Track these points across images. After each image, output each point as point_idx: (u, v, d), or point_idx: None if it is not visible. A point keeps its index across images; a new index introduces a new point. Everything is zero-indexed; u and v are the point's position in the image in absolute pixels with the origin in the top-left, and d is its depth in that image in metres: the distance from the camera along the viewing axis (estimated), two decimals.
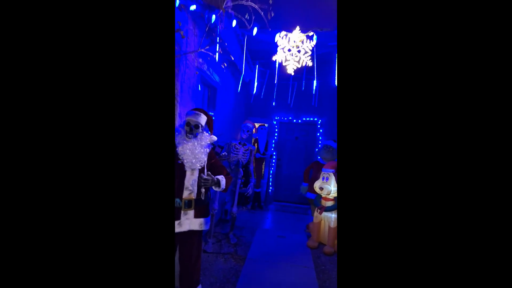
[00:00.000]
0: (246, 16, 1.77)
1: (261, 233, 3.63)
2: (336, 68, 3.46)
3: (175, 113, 2.34)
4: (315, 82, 2.41)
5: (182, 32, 1.60)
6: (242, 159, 3.18)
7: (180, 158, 1.66)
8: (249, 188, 3.40)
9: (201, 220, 1.71)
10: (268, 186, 5.31)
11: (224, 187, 1.73)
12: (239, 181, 3.25)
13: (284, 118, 5.38)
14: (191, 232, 1.70)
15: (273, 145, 5.36)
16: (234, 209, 3.24)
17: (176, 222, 1.64)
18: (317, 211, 3.35)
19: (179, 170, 1.67)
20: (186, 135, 1.69)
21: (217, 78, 3.34)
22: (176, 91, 2.31)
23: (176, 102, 2.33)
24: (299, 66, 2.02)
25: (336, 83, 2.77)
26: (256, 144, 4.80)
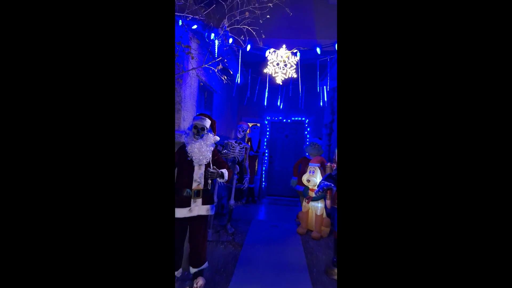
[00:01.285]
0: (241, 37, 2.13)
1: (255, 223, 4.01)
2: (333, 69, 3.85)
3: (180, 116, 2.68)
4: (299, 88, 2.79)
5: (192, 54, 1.94)
6: (238, 156, 3.55)
7: (189, 155, 2.01)
8: (244, 182, 3.77)
9: (207, 206, 2.07)
10: (261, 181, 5.69)
11: (227, 178, 2.10)
12: (235, 177, 3.62)
13: (275, 118, 5.77)
14: (199, 217, 2.06)
15: (265, 143, 5.74)
16: (231, 201, 3.60)
17: (187, 209, 2.00)
18: (305, 201, 3.75)
19: (189, 166, 2.03)
20: (194, 136, 2.05)
21: (213, 84, 3.70)
22: (180, 98, 2.66)
23: (180, 107, 2.68)
24: (286, 77, 2.41)
25: (318, 89, 3.17)
26: (249, 142, 5.16)
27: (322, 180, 1.70)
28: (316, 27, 3.92)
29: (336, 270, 2.50)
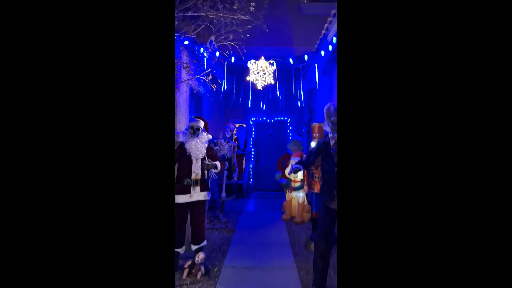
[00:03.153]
0: (227, 51, 2.57)
1: (245, 214, 4.46)
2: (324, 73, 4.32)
3: (176, 119, 3.10)
4: (278, 92, 3.29)
5: (188, 68, 2.36)
6: (227, 153, 4.00)
7: (188, 151, 2.43)
8: (234, 177, 4.21)
9: (205, 192, 2.50)
10: (249, 178, 6.14)
11: (219, 169, 2.53)
12: (225, 172, 4.05)
13: (259, 118, 6.25)
14: (198, 202, 2.47)
15: (251, 142, 6.20)
16: (223, 194, 4.03)
17: (188, 195, 2.41)
18: (288, 192, 4.23)
19: (188, 160, 2.44)
20: (191, 135, 2.47)
21: (202, 90, 4.12)
22: (175, 104, 3.07)
23: (176, 112, 3.09)
24: (265, 83, 2.88)
25: (293, 92, 3.68)
26: (237, 141, 5.61)
27: (294, 164, 2.15)
28: (293, 36, 4.45)
29: (312, 244, 2.99)
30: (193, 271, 2.41)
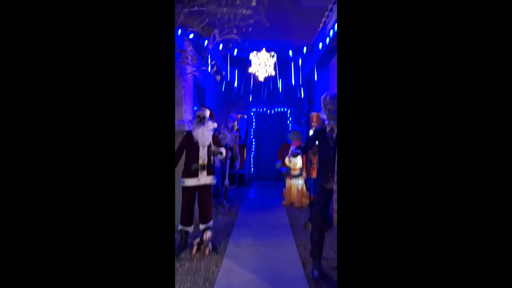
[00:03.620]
0: (230, 44, 2.73)
1: (247, 200, 4.69)
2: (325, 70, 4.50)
3: (182, 109, 3.28)
4: (279, 83, 3.46)
5: (195, 61, 2.54)
6: (230, 142, 4.20)
7: (195, 139, 2.63)
8: (236, 166, 4.43)
9: (211, 176, 2.71)
10: (250, 167, 6.36)
11: (224, 155, 2.74)
12: (228, 161, 4.26)
13: (259, 110, 6.44)
14: (205, 185, 2.68)
15: (252, 133, 6.39)
16: (226, 181, 4.25)
17: (196, 179, 2.62)
18: (288, 179, 4.45)
19: (195, 146, 2.64)
20: (197, 124, 2.66)
21: (206, 82, 4.30)
22: (181, 95, 3.25)
23: (182, 102, 3.28)
24: (267, 75, 3.05)
25: (293, 82, 3.85)
26: (238, 132, 5.81)
27: (294, 148, 2.34)
28: (292, 28, 4.59)
29: (310, 225, 3.22)
30: (202, 247, 2.64)
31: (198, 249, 2.64)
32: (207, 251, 2.61)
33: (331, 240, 2.86)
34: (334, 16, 2.72)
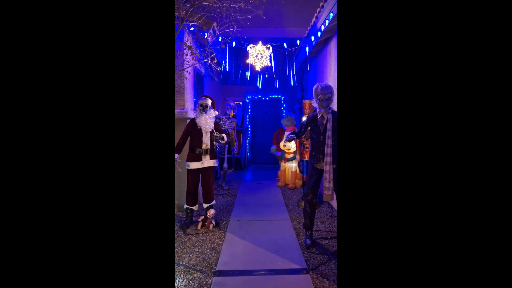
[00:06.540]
0: (229, 37, 2.92)
1: (244, 183, 5.01)
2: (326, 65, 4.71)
3: (184, 98, 3.50)
4: (274, 72, 3.69)
5: (198, 54, 2.75)
6: (228, 128, 4.46)
7: (198, 125, 2.88)
8: (234, 149, 4.70)
9: (213, 160, 2.99)
10: (246, 152, 6.66)
11: (225, 140, 3.01)
12: (226, 146, 4.53)
13: (255, 96, 6.65)
14: (208, 168, 2.97)
15: (248, 119, 6.64)
16: (225, 165, 4.54)
17: (200, 162, 2.90)
18: (283, 162, 4.77)
19: (199, 133, 2.90)
20: (200, 112, 2.90)
21: (203, 71, 4.48)
22: (183, 84, 3.46)
23: (184, 91, 3.49)
24: (263, 66, 3.28)
25: (287, 72, 4.08)
26: (234, 118, 6.05)
27: (288, 134, 2.62)
28: (287, 18, 4.75)
29: (303, 202, 3.56)
30: (206, 223, 2.95)
31: (203, 225, 2.96)
32: (211, 226, 2.94)
33: (321, 216, 3.21)
34: (325, 12, 2.94)
